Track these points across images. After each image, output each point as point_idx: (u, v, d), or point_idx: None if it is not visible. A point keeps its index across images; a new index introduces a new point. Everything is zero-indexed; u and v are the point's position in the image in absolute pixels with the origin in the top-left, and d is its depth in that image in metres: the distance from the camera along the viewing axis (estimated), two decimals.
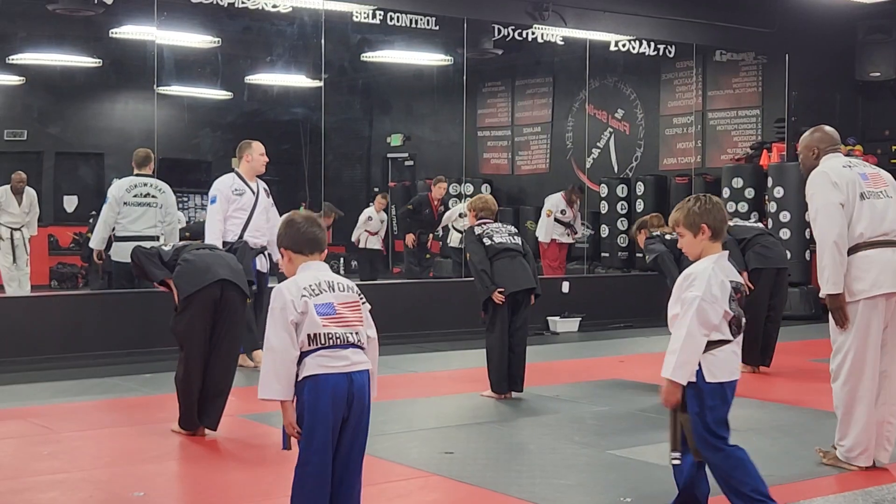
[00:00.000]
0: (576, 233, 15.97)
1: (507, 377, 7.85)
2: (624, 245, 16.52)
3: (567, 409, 7.58)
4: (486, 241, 7.87)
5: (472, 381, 8.55)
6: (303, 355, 3.99)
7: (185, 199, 19.43)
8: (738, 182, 14.48)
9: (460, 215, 16.47)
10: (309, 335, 3.98)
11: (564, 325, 12.32)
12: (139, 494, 5.20)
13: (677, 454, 4.68)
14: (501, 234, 7.95)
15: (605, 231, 16.60)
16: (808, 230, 13.34)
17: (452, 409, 7.54)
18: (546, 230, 15.41)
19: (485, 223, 8.05)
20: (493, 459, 6.01)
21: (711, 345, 4.59)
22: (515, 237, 8.00)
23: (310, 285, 4.07)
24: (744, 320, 4.71)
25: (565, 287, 12.92)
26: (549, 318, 12.36)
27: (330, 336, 4.01)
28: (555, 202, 15.58)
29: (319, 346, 3.99)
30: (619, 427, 6.72)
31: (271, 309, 4.03)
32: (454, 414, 7.37)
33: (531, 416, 7.37)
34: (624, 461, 5.81)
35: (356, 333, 4.08)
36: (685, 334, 4.51)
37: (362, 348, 4.10)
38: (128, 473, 5.67)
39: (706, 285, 4.55)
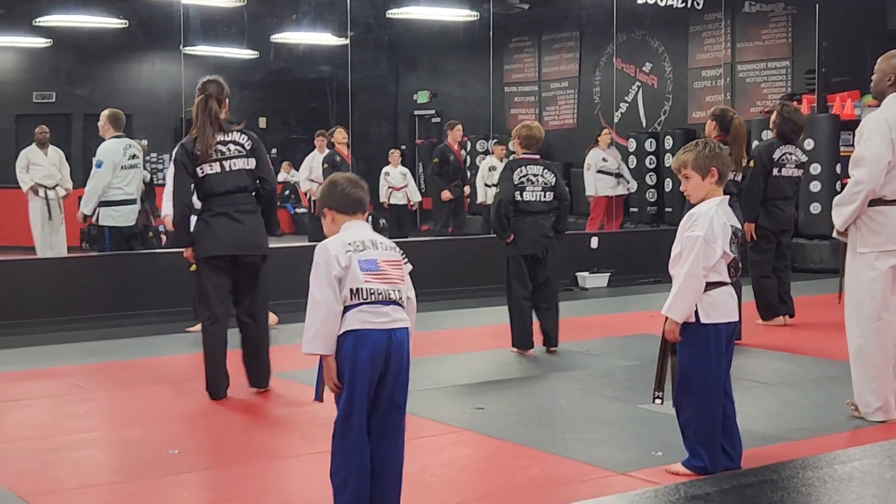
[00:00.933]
0: (628, 182, 15.87)
1: (529, 332, 7.85)
2: (653, 199, 16.45)
3: (597, 363, 7.59)
4: (517, 195, 7.79)
5: (502, 337, 8.55)
6: (345, 310, 4.01)
7: None
8: (767, 134, 14.28)
9: (490, 169, 16.42)
10: (351, 290, 3.99)
11: (594, 280, 12.30)
12: (173, 452, 5.26)
13: (660, 393, 4.87)
14: (535, 187, 7.80)
15: (633, 186, 16.52)
16: (839, 183, 13.23)
17: (483, 365, 7.56)
18: (591, 185, 15.32)
19: (528, 162, 7.86)
20: (524, 415, 6.03)
21: (708, 286, 4.72)
22: (548, 192, 7.85)
23: (354, 241, 4.06)
24: (741, 265, 4.88)
25: (594, 242, 12.88)
26: (578, 273, 12.34)
27: (372, 291, 4.01)
28: (592, 153, 15.51)
29: (361, 300, 4.00)
30: (649, 381, 6.60)
31: (315, 265, 4.02)
32: (484, 370, 7.39)
33: (561, 371, 7.38)
34: (655, 415, 5.80)
35: (398, 291, 4.09)
36: (686, 273, 4.67)
37: (402, 306, 4.11)
38: (161, 432, 5.73)
39: (708, 225, 4.69)
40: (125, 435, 5.72)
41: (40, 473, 5.00)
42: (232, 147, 6.48)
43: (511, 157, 8.23)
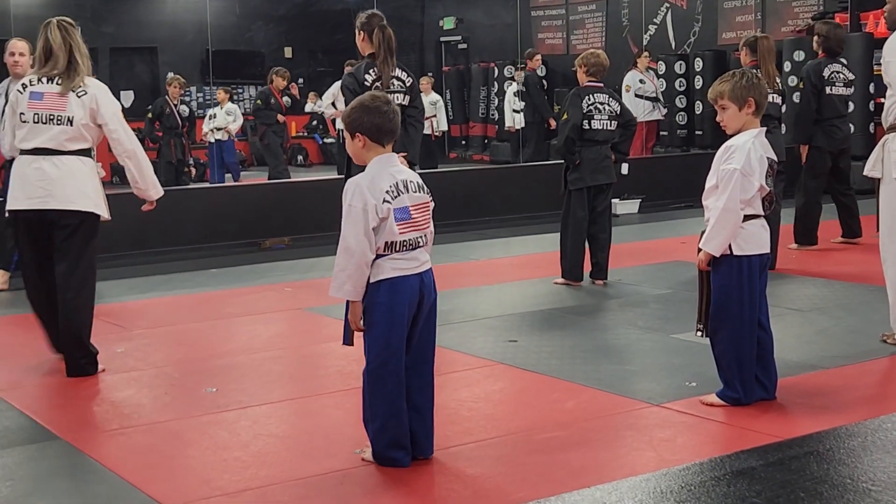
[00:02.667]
0: (664, 106, 15.71)
1: (582, 264, 7.85)
2: (683, 123, 16.31)
3: (629, 293, 7.59)
4: (585, 124, 7.69)
5: (533, 268, 8.59)
6: (375, 258, 4.03)
7: (240, 90, 19.49)
8: (799, 55, 14.12)
9: (515, 94, 16.33)
10: (387, 242, 3.99)
11: (624, 206, 12.26)
12: (212, 391, 5.33)
13: (702, 325, 4.86)
14: (602, 114, 7.71)
15: (664, 111, 16.38)
16: (872, 102, 13.07)
17: (514, 297, 7.58)
18: (631, 108, 15.20)
19: (594, 90, 7.74)
20: (557, 346, 6.05)
21: (743, 219, 4.70)
22: (613, 121, 7.77)
23: (390, 187, 4.01)
24: (775, 198, 4.89)
25: (624, 168, 12.71)
26: None
27: (404, 243, 4.03)
28: (630, 76, 15.35)
29: (394, 251, 4.02)
30: (682, 310, 6.70)
31: (350, 207, 3.96)
32: (516, 302, 7.41)
33: (593, 301, 7.39)
34: (688, 345, 5.81)
35: (425, 236, 4.11)
36: (723, 207, 4.66)
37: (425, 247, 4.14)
38: (199, 370, 5.79)
39: (745, 158, 4.66)
40: (164, 373, 5.79)
41: (80, 414, 5.09)
42: (395, 82, 6.87)
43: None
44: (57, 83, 5.59)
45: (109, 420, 5.01)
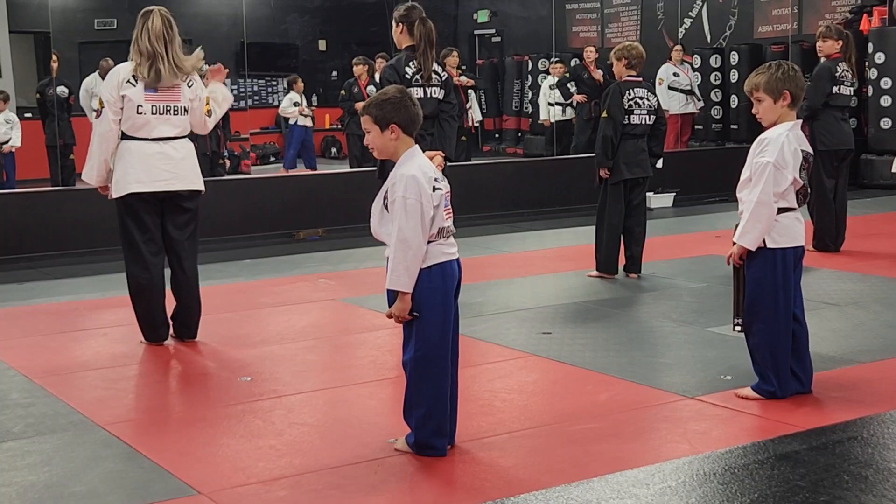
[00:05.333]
0: (699, 99, 15.62)
1: (617, 257, 7.84)
2: (718, 117, 16.20)
3: (663, 286, 7.56)
4: (625, 119, 7.67)
5: (567, 260, 8.57)
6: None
7: (274, 82, 19.54)
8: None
9: (550, 87, 16.26)
10: (439, 228, 4.02)
11: (659, 200, 12.20)
12: (246, 379, 5.35)
13: (739, 320, 4.84)
14: (641, 109, 7.68)
15: (700, 104, 16.27)
16: None
17: (548, 289, 7.56)
18: (663, 101, 15.11)
19: (634, 85, 7.72)
20: (591, 339, 6.04)
21: (777, 212, 4.68)
22: (651, 115, 7.74)
23: (433, 176, 4.04)
24: (809, 191, 4.82)
25: (659, 162, 12.73)
26: None
27: (448, 228, 4.08)
28: (663, 69, 15.27)
29: (442, 237, 4.06)
30: (716, 304, 6.68)
31: (404, 199, 3.95)
32: (550, 294, 7.39)
33: (627, 294, 7.37)
34: (723, 338, 5.79)
35: (453, 223, 4.14)
36: (756, 200, 4.64)
37: None
38: (234, 359, 5.82)
39: (779, 151, 4.63)
40: (198, 362, 5.83)
41: (117, 402, 5.12)
42: (433, 76, 6.87)
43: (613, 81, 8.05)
44: (167, 75, 5.91)
45: (145, 407, 5.05)
